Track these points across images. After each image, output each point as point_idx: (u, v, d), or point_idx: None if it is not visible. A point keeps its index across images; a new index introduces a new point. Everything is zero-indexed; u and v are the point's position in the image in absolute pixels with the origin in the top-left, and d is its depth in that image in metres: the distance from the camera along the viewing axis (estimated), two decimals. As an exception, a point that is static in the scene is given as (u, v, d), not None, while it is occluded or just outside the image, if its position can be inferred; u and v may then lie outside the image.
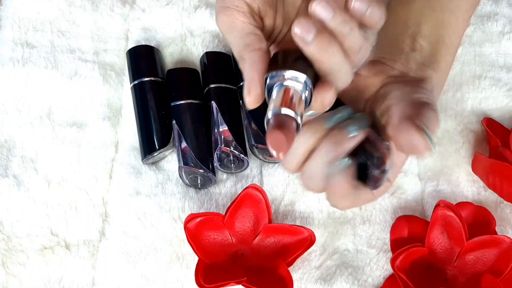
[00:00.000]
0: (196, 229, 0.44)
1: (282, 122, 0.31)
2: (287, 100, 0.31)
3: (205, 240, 0.44)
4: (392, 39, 0.43)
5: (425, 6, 0.44)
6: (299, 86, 0.31)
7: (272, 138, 0.30)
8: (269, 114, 0.31)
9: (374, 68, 0.42)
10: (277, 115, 0.31)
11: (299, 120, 0.31)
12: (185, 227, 0.43)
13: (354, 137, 0.36)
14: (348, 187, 0.36)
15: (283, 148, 0.30)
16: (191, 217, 0.43)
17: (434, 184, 0.49)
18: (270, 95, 0.32)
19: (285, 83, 0.31)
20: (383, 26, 0.41)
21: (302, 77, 0.31)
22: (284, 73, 0.31)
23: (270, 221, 0.45)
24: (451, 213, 0.43)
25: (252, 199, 0.45)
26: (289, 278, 0.42)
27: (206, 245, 0.44)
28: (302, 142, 0.37)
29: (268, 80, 0.32)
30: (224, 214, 0.44)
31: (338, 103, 0.39)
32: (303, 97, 0.32)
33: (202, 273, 0.42)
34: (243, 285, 0.42)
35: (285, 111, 0.30)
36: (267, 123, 0.31)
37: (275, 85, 0.32)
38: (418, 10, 0.43)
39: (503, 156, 0.46)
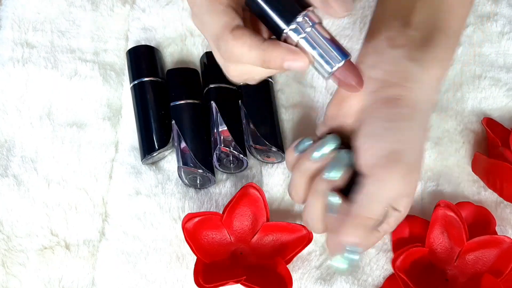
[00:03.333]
0: (194, 229, 0.44)
1: None
2: None
3: (204, 240, 0.44)
4: (373, 39, 0.40)
5: None
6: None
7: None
8: None
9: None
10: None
11: None
12: (183, 227, 0.43)
13: (334, 180, 0.38)
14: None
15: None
16: (189, 217, 0.43)
17: (434, 184, 0.49)
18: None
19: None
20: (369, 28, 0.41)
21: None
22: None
23: (268, 219, 0.45)
24: (452, 213, 0.43)
25: (249, 197, 0.45)
26: (288, 276, 0.42)
27: (204, 244, 0.44)
28: (298, 178, 0.40)
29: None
30: (222, 213, 0.44)
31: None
32: None
33: (201, 272, 0.42)
34: (242, 283, 0.42)
35: None
36: None
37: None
38: (410, 1, 0.41)
39: (503, 156, 0.46)
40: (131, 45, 0.53)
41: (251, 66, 0.35)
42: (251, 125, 0.48)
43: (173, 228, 0.46)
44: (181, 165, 0.47)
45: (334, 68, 0.34)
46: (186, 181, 0.48)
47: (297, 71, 0.35)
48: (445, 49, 0.40)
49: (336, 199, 0.38)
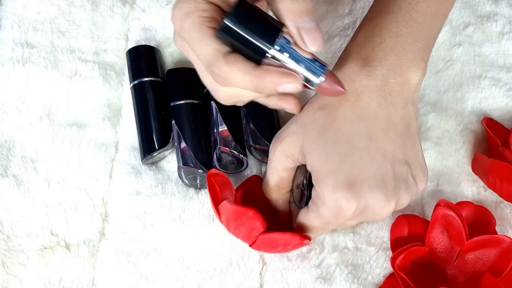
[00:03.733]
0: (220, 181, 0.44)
1: None
2: None
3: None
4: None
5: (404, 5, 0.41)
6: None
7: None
8: None
9: None
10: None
11: None
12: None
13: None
14: None
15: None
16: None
17: (434, 184, 0.49)
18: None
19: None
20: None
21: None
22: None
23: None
24: (452, 213, 0.43)
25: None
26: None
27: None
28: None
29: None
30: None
31: None
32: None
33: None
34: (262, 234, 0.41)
35: None
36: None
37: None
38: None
39: (503, 156, 0.46)
40: (131, 45, 0.54)
41: (241, 89, 0.36)
42: (251, 125, 0.48)
43: (173, 228, 0.46)
44: (181, 165, 0.47)
45: (322, 79, 0.35)
46: (186, 181, 0.48)
47: (292, 92, 0.36)
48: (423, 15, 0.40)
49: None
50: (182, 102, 0.48)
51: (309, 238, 0.41)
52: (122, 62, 0.53)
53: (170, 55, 0.54)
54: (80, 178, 0.48)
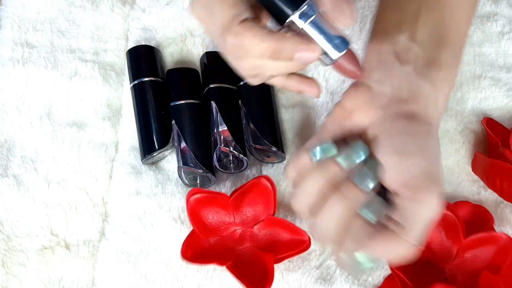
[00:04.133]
0: (199, 203, 0.44)
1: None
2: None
3: (206, 214, 0.44)
4: (379, 52, 0.39)
5: (423, 5, 0.40)
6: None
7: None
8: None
9: (358, 97, 0.39)
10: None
11: None
12: (187, 200, 0.43)
13: (369, 191, 0.35)
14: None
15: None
16: (195, 192, 0.43)
17: (434, 184, 0.49)
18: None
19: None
20: (372, 41, 0.40)
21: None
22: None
23: (274, 213, 0.45)
24: (448, 212, 0.43)
25: (261, 188, 0.45)
26: (271, 274, 0.42)
27: (205, 219, 0.44)
28: (315, 179, 0.36)
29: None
30: (229, 196, 0.45)
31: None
32: None
33: (191, 246, 0.42)
34: (227, 267, 0.42)
35: None
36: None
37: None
38: (414, 12, 0.40)
39: (503, 156, 0.46)
40: (131, 45, 0.54)
41: (260, 60, 0.34)
42: (251, 125, 0.48)
43: (173, 228, 0.46)
44: (181, 165, 0.47)
45: (339, 55, 0.34)
46: (186, 181, 0.48)
47: (306, 62, 0.34)
48: (450, 68, 0.40)
49: (377, 209, 0.35)
50: (182, 102, 0.48)
51: None
52: (122, 62, 0.53)
53: (170, 55, 0.54)
54: (80, 178, 0.48)
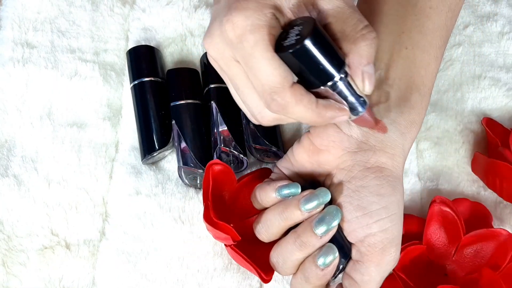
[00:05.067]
0: (219, 173, 0.43)
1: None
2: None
3: (218, 187, 0.44)
4: None
5: (395, 43, 0.41)
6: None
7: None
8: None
9: (328, 138, 0.40)
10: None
11: None
12: (208, 167, 0.43)
13: (323, 237, 0.37)
14: None
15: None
16: (215, 162, 0.43)
17: (434, 184, 0.49)
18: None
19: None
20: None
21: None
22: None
23: None
24: (447, 209, 0.44)
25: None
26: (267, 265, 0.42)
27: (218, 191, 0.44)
28: (275, 215, 0.39)
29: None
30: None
31: (315, 184, 0.41)
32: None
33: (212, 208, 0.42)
34: (231, 247, 0.41)
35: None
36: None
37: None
38: (387, 48, 0.41)
39: (503, 156, 0.46)
40: (131, 45, 0.54)
41: (296, 120, 0.35)
42: (251, 125, 0.48)
43: (173, 228, 0.46)
44: (181, 165, 0.47)
45: (364, 112, 0.35)
46: (186, 181, 0.48)
47: (340, 122, 0.37)
48: (420, 109, 0.41)
49: (331, 258, 0.37)
50: (182, 102, 0.49)
51: (269, 279, 0.41)
52: (122, 62, 0.53)
53: (170, 55, 0.54)
54: (80, 178, 0.48)
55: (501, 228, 0.43)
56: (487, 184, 0.48)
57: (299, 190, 0.39)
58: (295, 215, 0.38)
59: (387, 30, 0.41)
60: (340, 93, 0.34)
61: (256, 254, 0.41)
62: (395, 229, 0.38)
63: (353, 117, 0.36)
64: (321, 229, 0.37)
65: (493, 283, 0.41)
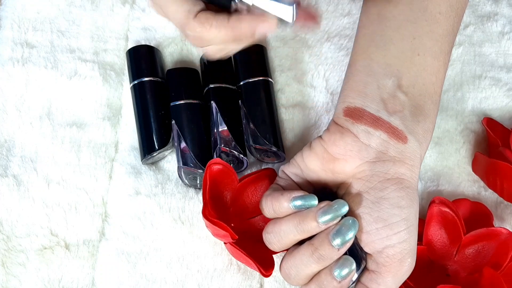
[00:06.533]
0: (216, 173, 0.43)
1: None
2: None
3: (217, 187, 0.44)
4: (364, 95, 0.39)
5: (407, 49, 0.40)
6: None
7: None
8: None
9: (345, 147, 0.39)
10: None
11: None
12: (209, 165, 0.43)
13: (340, 249, 0.37)
14: None
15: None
16: (215, 161, 0.43)
17: (434, 184, 0.49)
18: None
19: None
20: (355, 81, 0.40)
21: None
22: None
23: None
24: (446, 209, 0.43)
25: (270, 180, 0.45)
26: (271, 262, 0.42)
27: (216, 190, 0.44)
28: (290, 226, 0.38)
29: None
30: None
31: (326, 191, 0.40)
32: None
33: (209, 205, 0.42)
34: (230, 243, 0.41)
35: None
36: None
37: None
38: (399, 54, 0.40)
39: (503, 156, 0.46)
40: (131, 45, 0.53)
41: (223, 44, 0.35)
42: (251, 125, 0.48)
43: (173, 228, 0.46)
44: (181, 165, 0.47)
45: (294, 17, 0.34)
46: (186, 181, 0.48)
47: (268, 33, 0.35)
48: (433, 117, 0.40)
49: (348, 270, 0.37)
50: (182, 102, 0.48)
51: (268, 274, 0.41)
52: (122, 62, 0.53)
53: (170, 55, 0.54)
54: (80, 178, 0.48)
55: (501, 227, 0.43)
56: (487, 184, 0.48)
57: (316, 202, 0.38)
58: (312, 227, 0.37)
59: (397, 35, 0.40)
60: (261, 5, 0.34)
61: (255, 251, 0.41)
62: (413, 240, 0.38)
63: (289, 22, 0.34)
64: (338, 241, 0.36)
65: (494, 282, 0.41)
